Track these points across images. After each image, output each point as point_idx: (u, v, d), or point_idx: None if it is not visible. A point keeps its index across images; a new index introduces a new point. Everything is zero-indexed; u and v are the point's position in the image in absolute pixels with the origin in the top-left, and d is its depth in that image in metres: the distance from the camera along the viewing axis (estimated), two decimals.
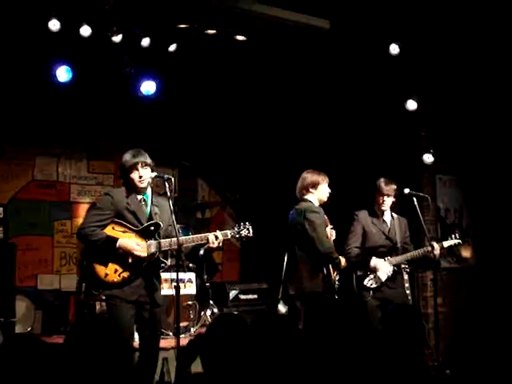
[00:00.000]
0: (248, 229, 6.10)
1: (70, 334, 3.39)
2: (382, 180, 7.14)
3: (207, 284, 8.63)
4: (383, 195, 7.11)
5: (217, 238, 5.84)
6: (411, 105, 8.38)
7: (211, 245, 5.83)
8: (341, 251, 6.86)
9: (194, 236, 5.88)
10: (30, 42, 7.63)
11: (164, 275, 6.09)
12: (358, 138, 9.14)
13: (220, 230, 6.00)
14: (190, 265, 8.57)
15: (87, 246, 5.92)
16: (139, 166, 5.69)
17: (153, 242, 5.71)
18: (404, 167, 8.47)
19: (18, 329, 7.98)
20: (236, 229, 6.09)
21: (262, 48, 8.25)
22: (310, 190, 6.71)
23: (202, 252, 5.97)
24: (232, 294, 9.23)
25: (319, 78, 8.81)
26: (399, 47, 7.97)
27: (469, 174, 9.24)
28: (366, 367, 3.37)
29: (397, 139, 8.83)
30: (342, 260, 6.74)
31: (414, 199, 7.16)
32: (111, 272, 5.60)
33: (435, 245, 7.06)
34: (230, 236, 6.03)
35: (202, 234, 5.90)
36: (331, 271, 6.61)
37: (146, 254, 5.64)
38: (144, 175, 5.69)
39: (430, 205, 8.28)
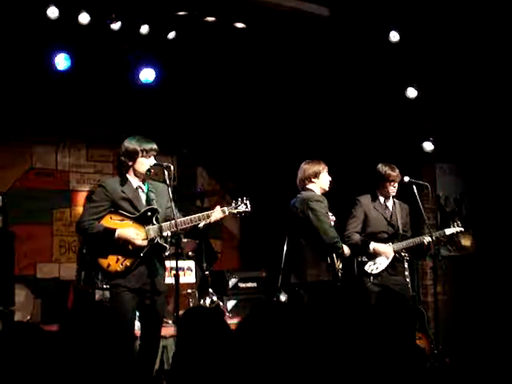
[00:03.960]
0: (246, 204, 6.07)
1: (65, 321, 3.38)
2: (386, 167, 7.09)
3: (206, 272, 8.63)
4: (392, 181, 7.08)
5: (209, 216, 5.84)
6: (411, 92, 8.38)
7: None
8: (341, 237, 6.85)
9: (192, 216, 5.84)
10: (29, 29, 7.60)
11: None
12: (358, 125, 9.13)
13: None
14: (190, 253, 8.58)
15: (87, 239, 5.92)
16: (153, 153, 5.70)
17: (151, 227, 5.68)
18: (404, 155, 8.44)
19: (18, 317, 7.98)
20: (233, 205, 6.08)
21: (262, 35, 8.22)
22: (312, 179, 6.72)
23: (201, 225, 5.91)
24: (231, 282, 9.24)
25: (319, 65, 8.78)
26: (399, 34, 7.94)
27: (469, 162, 9.23)
28: (366, 356, 3.36)
29: (397, 127, 8.82)
30: (346, 249, 6.74)
31: (414, 187, 7.15)
32: (113, 262, 5.59)
33: (428, 237, 7.07)
34: (227, 213, 6.00)
35: (199, 214, 5.89)
36: (335, 260, 6.61)
37: (145, 243, 5.62)
38: (152, 163, 5.70)
39: (430, 193, 8.27)
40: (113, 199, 5.67)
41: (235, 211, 6.08)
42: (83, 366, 3.14)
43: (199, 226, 5.90)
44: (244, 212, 6.10)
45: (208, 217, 5.85)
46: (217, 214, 5.87)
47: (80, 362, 3.15)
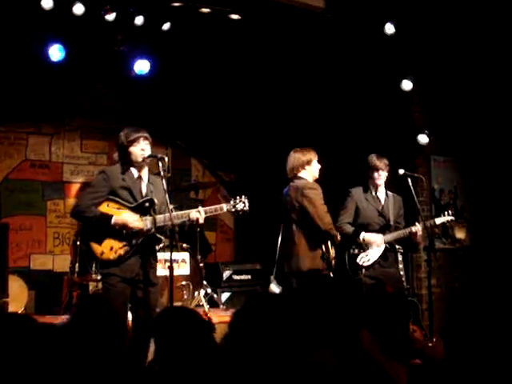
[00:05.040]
0: (244, 202, 6.09)
1: (75, 315, 3.38)
2: (373, 156, 7.14)
3: (201, 264, 8.62)
4: (377, 170, 7.09)
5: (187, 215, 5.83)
6: (406, 85, 8.35)
7: (194, 222, 5.83)
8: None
9: (183, 212, 5.87)
10: (23, 20, 7.56)
11: (158, 255, 6.07)
12: (353, 118, 9.12)
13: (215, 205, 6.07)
14: (184, 245, 8.56)
15: (83, 225, 5.93)
16: (141, 139, 5.70)
17: (148, 218, 5.71)
18: (399, 148, 8.45)
19: (11, 309, 7.95)
20: (232, 202, 6.09)
21: (257, 27, 8.20)
22: (305, 167, 6.72)
23: (186, 228, 5.95)
24: (226, 274, 9.24)
25: (313, 57, 8.76)
26: (394, 26, 7.92)
27: (463, 154, 9.23)
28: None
29: (392, 119, 8.81)
30: (338, 236, 6.75)
31: (409, 180, 7.15)
32: (107, 250, 5.60)
33: (417, 225, 7.06)
34: (225, 210, 6.04)
35: (189, 210, 5.89)
36: (330, 248, 6.62)
37: (141, 226, 5.63)
38: (145, 149, 5.69)
39: (425, 185, 8.28)
40: (112, 186, 5.70)
41: (233, 210, 6.09)
42: (76, 357, 3.13)
43: (184, 229, 5.91)
44: (242, 211, 6.11)
45: (187, 215, 5.85)
46: (194, 213, 5.85)
47: (73, 352, 3.15)
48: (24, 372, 2.89)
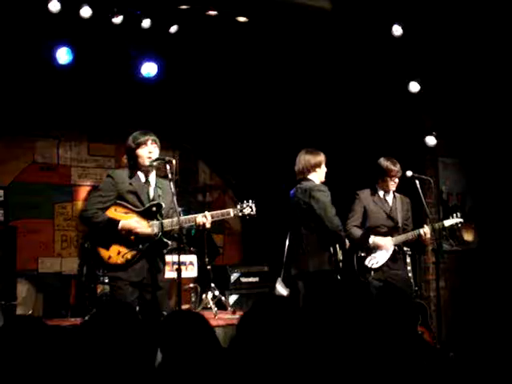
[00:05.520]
0: (251, 207, 6.11)
1: (91, 319, 3.38)
2: (387, 161, 7.03)
3: (208, 267, 8.62)
4: (393, 177, 7.03)
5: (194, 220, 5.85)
6: (414, 87, 8.34)
7: (200, 226, 5.85)
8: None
9: (190, 216, 5.88)
10: (30, 23, 7.57)
11: (165, 258, 6.08)
12: (360, 120, 9.11)
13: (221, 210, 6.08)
14: (192, 248, 8.57)
15: (90, 229, 5.94)
16: (149, 142, 5.71)
17: (155, 223, 5.72)
18: (407, 149, 8.42)
19: (19, 312, 7.99)
20: (239, 207, 6.11)
21: (264, 29, 8.19)
22: (316, 169, 6.74)
23: (193, 233, 5.98)
24: (233, 276, 9.25)
25: (321, 59, 8.75)
26: (402, 28, 7.91)
27: (471, 156, 9.21)
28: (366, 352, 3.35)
29: (399, 121, 8.80)
30: (347, 241, 6.74)
31: (417, 182, 7.12)
32: (114, 254, 5.61)
33: (426, 227, 7.03)
34: (232, 215, 6.05)
35: (195, 215, 5.90)
36: (337, 250, 6.63)
37: (148, 231, 5.64)
38: (153, 152, 5.70)
39: (433, 187, 8.26)
40: (119, 190, 5.72)
41: (240, 214, 6.12)
42: (88, 360, 3.13)
43: (191, 234, 5.93)
44: (249, 215, 6.13)
45: (193, 220, 5.87)
46: (200, 218, 5.86)
47: (85, 355, 3.14)
48: (34, 375, 2.89)
